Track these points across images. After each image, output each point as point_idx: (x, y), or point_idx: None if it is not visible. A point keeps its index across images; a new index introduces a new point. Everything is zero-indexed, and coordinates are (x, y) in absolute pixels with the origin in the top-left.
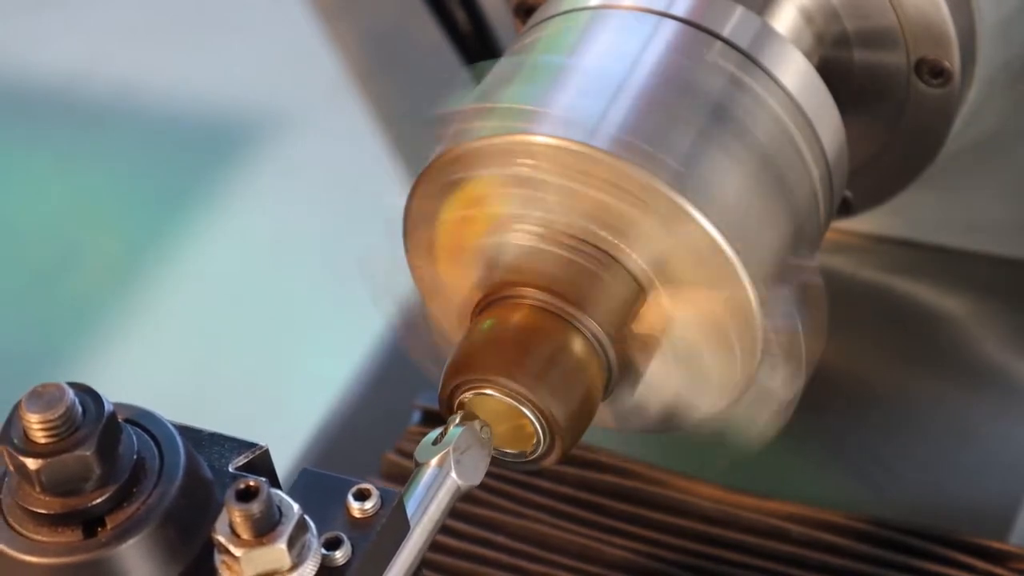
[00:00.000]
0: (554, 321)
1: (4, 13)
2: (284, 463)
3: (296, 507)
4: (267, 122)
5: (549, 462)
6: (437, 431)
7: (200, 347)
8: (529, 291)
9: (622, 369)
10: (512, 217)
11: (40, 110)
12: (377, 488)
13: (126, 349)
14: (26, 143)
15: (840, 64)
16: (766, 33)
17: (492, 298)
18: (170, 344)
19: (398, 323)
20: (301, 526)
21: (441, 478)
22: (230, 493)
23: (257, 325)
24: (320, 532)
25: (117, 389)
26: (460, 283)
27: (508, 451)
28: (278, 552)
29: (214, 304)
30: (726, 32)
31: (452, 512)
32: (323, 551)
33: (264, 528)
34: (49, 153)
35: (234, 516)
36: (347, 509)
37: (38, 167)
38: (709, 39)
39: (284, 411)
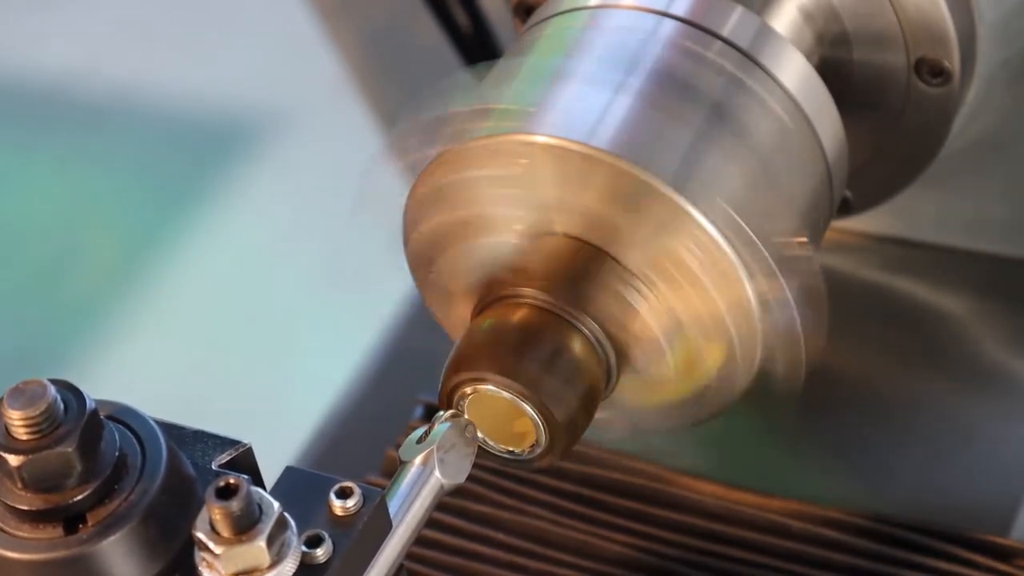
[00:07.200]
0: (554, 320)
1: (4, 13)
2: (285, 462)
3: (276, 505)
4: (267, 122)
5: (549, 461)
6: (422, 430)
7: (200, 346)
8: (529, 291)
9: (622, 368)
10: (511, 217)
11: (40, 110)
12: (359, 487)
13: (126, 349)
14: (26, 143)
15: (840, 64)
16: (766, 33)
17: (492, 298)
18: (170, 344)
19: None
20: (281, 524)
21: (425, 476)
22: (210, 490)
23: (257, 324)
24: (302, 530)
25: (117, 389)
26: (460, 283)
27: (508, 449)
28: (257, 550)
29: (214, 304)
30: (726, 32)
31: (451, 509)
32: (304, 549)
33: (244, 525)
34: (49, 153)
35: (214, 513)
36: (329, 507)
37: (38, 167)
38: (708, 39)
39: (285, 410)
